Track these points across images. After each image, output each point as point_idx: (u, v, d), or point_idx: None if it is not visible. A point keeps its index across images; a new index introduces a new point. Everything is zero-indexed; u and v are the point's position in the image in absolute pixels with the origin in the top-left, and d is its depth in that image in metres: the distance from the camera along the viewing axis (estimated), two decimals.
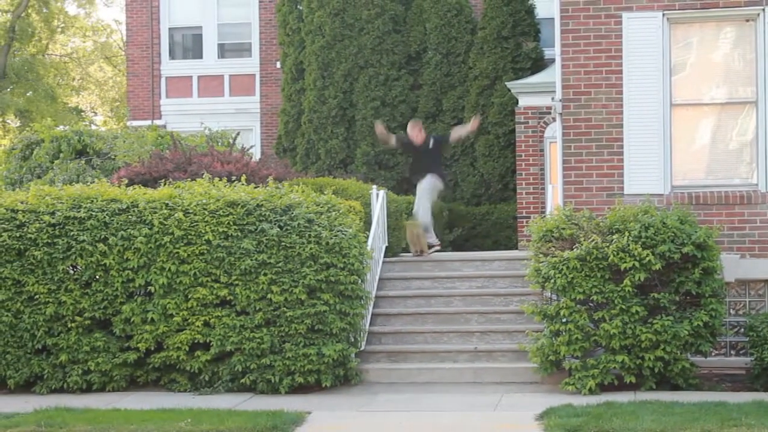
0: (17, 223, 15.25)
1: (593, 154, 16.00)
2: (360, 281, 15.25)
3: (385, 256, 18.48)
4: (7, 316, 15.02)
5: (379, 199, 18.62)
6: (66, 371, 15.01)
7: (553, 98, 16.65)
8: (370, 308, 16.43)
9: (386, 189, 19.91)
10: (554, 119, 18.71)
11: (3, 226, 15.21)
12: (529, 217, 21.62)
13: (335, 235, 14.99)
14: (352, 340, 15.27)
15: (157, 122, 28.74)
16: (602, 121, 15.97)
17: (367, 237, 16.60)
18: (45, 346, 15.11)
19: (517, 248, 22.66)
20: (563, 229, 14.83)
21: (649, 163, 15.87)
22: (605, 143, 15.97)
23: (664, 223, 14.35)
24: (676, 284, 14.30)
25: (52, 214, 15.28)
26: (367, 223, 17.62)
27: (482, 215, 25.22)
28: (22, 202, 15.56)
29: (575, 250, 14.43)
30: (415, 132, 19.96)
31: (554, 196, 18.68)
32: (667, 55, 15.91)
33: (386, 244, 18.77)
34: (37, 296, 15.06)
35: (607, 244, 14.34)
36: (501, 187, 25.54)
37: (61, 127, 23.78)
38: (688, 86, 16.14)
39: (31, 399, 14.33)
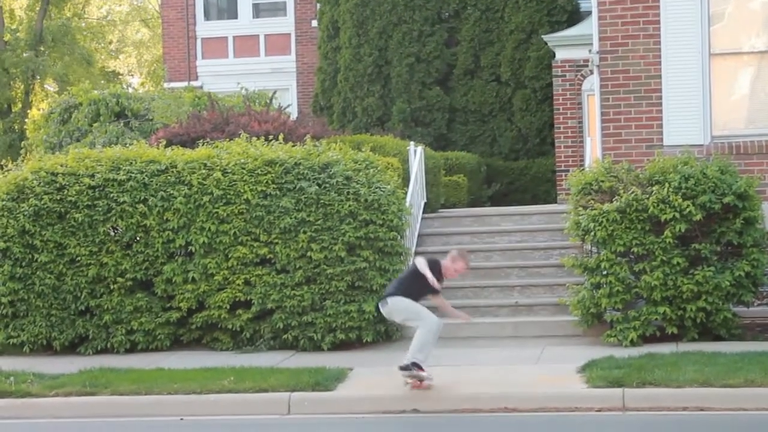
0: (58, 186, 15.34)
1: (632, 106, 15.90)
2: (399, 237, 15.26)
3: (423, 212, 18.45)
4: (50, 278, 15.14)
5: (416, 155, 18.58)
6: (110, 332, 15.13)
7: (590, 50, 16.52)
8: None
9: (423, 145, 19.83)
10: (592, 72, 18.58)
11: (44, 189, 15.30)
12: (567, 171, 21.48)
13: (373, 192, 14.98)
14: None
15: (194, 84, 28.75)
16: (640, 72, 15.85)
17: (406, 193, 16.56)
18: (88, 307, 15.23)
19: (556, 202, 22.58)
20: (602, 181, 14.75)
21: (688, 113, 15.75)
22: (644, 94, 15.85)
23: (704, 173, 14.25)
24: (717, 235, 14.23)
25: (92, 176, 15.35)
26: (405, 180, 17.59)
27: (520, 170, 25.14)
28: (62, 165, 15.63)
29: (615, 202, 14.36)
30: (455, 268, 12.67)
31: (593, 148, 18.60)
32: (705, 4, 15.75)
33: (425, 200, 18.74)
34: (78, 258, 15.16)
35: (647, 195, 14.26)
36: (539, 142, 25.42)
37: (99, 90, 23.85)
38: (727, 35, 15.97)
39: (76, 360, 14.46)
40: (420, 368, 11.80)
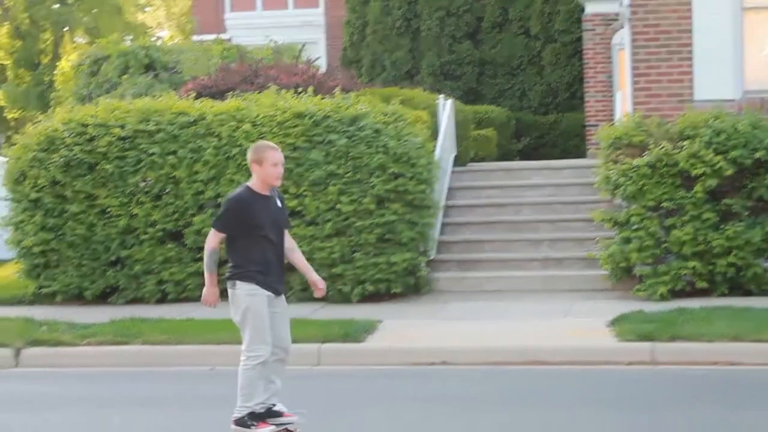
0: (88, 137, 15.39)
1: (662, 60, 15.79)
2: (429, 191, 15.25)
3: (453, 166, 18.43)
4: (81, 229, 15.22)
5: (446, 108, 18.53)
6: (140, 282, 15.21)
7: (620, 4, 16.42)
8: (440, 217, 16.44)
9: (453, 99, 19.77)
10: (622, 25, 18.43)
11: (74, 140, 15.35)
12: (597, 125, 21.38)
13: (403, 145, 14.96)
14: (422, 249, 15.30)
15: (222, 36, 28.66)
16: (671, 26, 15.73)
17: (435, 147, 16.54)
18: (119, 258, 15.30)
19: (585, 156, 22.50)
20: (633, 135, 14.70)
21: (719, 68, 15.63)
22: (675, 49, 15.74)
23: (735, 128, 14.18)
24: (749, 190, 14.17)
25: (122, 127, 15.39)
26: (435, 133, 17.55)
27: (550, 124, 25.01)
28: (92, 117, 15.67)
29: (645, 156, 14.32)
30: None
31: (623, 103, 18.51)
32: None
33: (455, 154, 18.71)
34: (109, 209, 15.23)
35: (678, 150, 14.21)
36: (568, 96, 25.28)
37: (128, 42, 23.84)
38: None
39: (107, 310, 14.55)
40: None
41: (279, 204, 8.76)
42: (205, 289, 8.76)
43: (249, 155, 8.66)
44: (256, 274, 8.47)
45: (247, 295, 8.47)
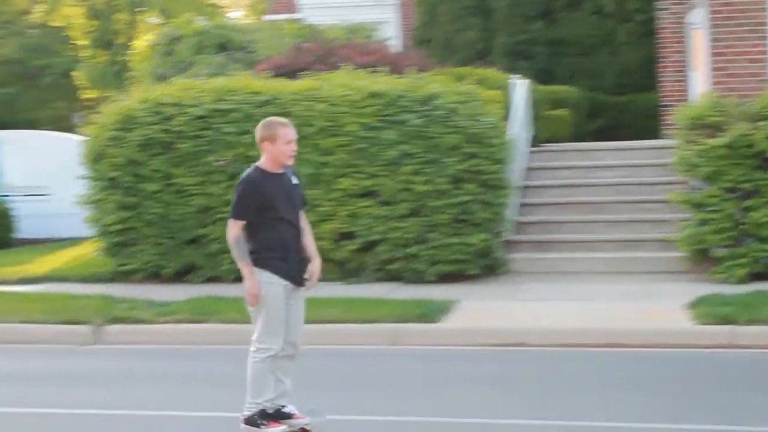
0: (164, 116, 15.50)
1: (740, 40, 15.63)
2: (503, 171, 15.20)
3: (528, 147, 18.35)
4: (158, 207, 15.34)
5: (520, 88, 18.46)
6: (217, 261, 15.30)
7: None
8: (515, 198, 16.37)
9: (526, 79, 19.68)
10: (699, 4, 18.24)
11: (151, 119, 15.47)
12: (672, 106, 21.15)
13: (477, 125, 14.91)
14: (497, 230, 15.26)
15: (295, 16, 28.69)
16: (750, 4, 15.51)
17: (509, 127, 16.48)
18: (196, 237, 15.40)
19: (660, 137, 22.30)
20: (710, 116, 14.55)
21: None
22: (753, 27, 15.53)
23: None
24: None
25: (198, 106, 15.47)
26: (508, 113, 17.48)
27: (624, 104, 24.79)
28: (168, 96, 15.78)
29: (722, 137, 14.16)
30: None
31: (698, 83, 18.31)
32: None
33: (530, 134, 18.63)
34: (185, 188, 15.33)
35: (756, 130, 14.04)
36: (642, 76, 25.00)
37: (202, 22, 23.94)
38: None
39: (184, 288, 14.69)
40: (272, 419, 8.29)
41: (295, 181, 8.25)
42: (245, 284, 8.09)
43: (259, 132, 8.10)
44: (275, 261, 8.03)
45: (264, 284, 8.00)
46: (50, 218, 21.01)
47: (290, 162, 8.14)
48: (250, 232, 8.04)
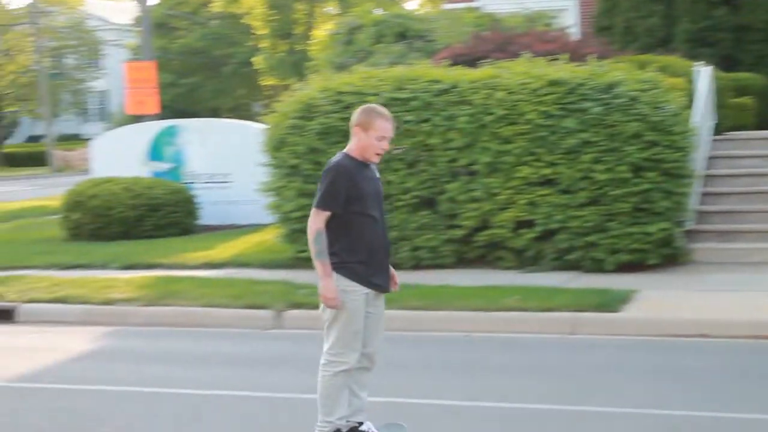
0: (344, 104, 15.63)
1: None
2: (685, 159, 14.91)
3: (711, 135, 17.98)
4: None
5: (703, 76, 18.08)
6: (395, 248, 15.32)
7: None
8: (697, 187, 16.05)
9: (709, 66, 19.26)
10: None
11: (331, 108, 15.63)
12: None
13: (659, 113, 14.66)
14: (678, 219, 14.99)
15: (473, 4, 28.67)
16: None
17: (692, 115, 16.16)
18: None
19: None
20: None
21: None
22: None
23: None
24: None
25: (377, 95, 15.56)
26: (691, 101, 17.15)
27: None
28: (348, 84, 15.92)
29: None
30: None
31: None
32: None
33: (713, 123, 18.24)
34: None
35: None
36: None
37: (381, 11, 24.15)
38: None
39: None
40: None
41: (377, 174, 7.58)
42: (321, 286, 7.31)
43: (354, 116, 7.40)
44: (357, 266, 7.29)
45: (342, 291, 7.26)
46: (231, 205, 21.44)
47: (376, 159, 7.43)
48: (331, 228, 7.29)
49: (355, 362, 7.42)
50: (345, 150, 7.43)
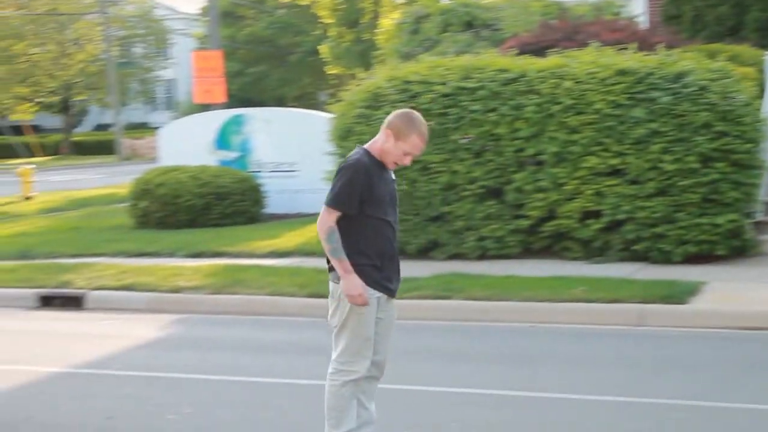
0: (411, 94, 15.61)
1: None
2: (756, 150, 14.73)
3: None
4: (404, 184, 15.44)
5: None
6: (461, 238, 15.35)
7: None
8: (767, 178, 15.87)
9: None
10: None
11: (398, 97, 15.61)
12: None
13: (729, 103, 14.50)
14: (748, 210, 14.82)
15: None
16: None
17: (763, 105, 15.96)
18: (440, 213, 15.47)
19: None
20: None
21: None
22: None
23: None
24: None
25: (444, 84, 15.53)
26: (763, 91, 16.94)
27: None
28: (415, 73, 15.89)
29: None
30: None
31: None
32: None
33: None
34: (431, 165, 15.40)
35: None
36: None
37: (447, 0, 24.09)
38: None
39: (427, 265, 14.77)
40: None
41: (393, 176, 7.13)
42: (344, 284, 6.82)
43: (393, 119, 6.91)
44: (368, 270, 6.85)
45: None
46: (297, 194, 21.51)
47: (391, 167, 6.98)
48: (342, 228, 6.83)
49: (365, 371, 6.98)
50: (366, 146, 6.99)
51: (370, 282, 6.82)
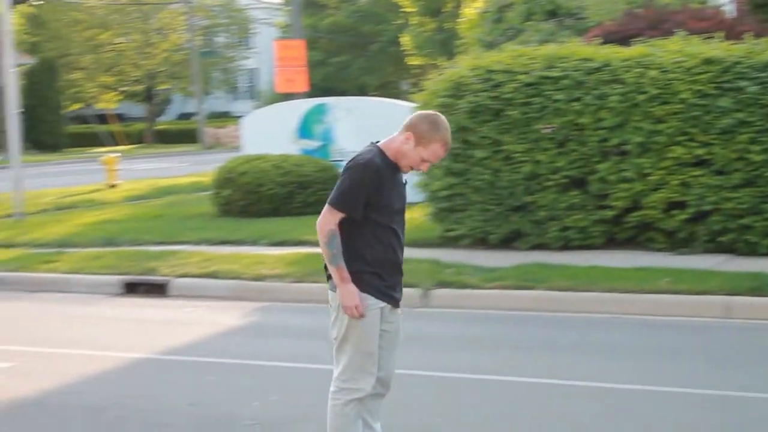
0: (494, 83, 15.54)
1: None
2: None
3: None
4: (486, 174, 15.43)
5: None
6: (543, 228, 15.26)
7: None
8: None
9: None
10: None
11: (480, 86, 15.55)
12: None
13: None
14: None
15: None
16: None
17: None
18: (523, 203, 15.39)
19: None
20: None
21: None
22: None
23: None
24: None
25: (527, 73, 15.43)
26: None
27: None
28: (498, 63, 15.82)
29: None
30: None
31: None
32: None
33: None
34: (514, 155, 15.33)
35: None
36: None
37: None
38: None
39: (510, 254, 14.73)
40: None
41: (404, 180, 6.65)
42: (340, 293, 6.39)
43: (416, 121, 6.43)
44: (371, 278, 6.40)
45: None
46: None
47: (405, 171, 6.53)
48: (345, 231, 6.40)
49: (371, 388, 6.52)
50: (381, 144, 6.53)
51: (373, 291, 6.39)
